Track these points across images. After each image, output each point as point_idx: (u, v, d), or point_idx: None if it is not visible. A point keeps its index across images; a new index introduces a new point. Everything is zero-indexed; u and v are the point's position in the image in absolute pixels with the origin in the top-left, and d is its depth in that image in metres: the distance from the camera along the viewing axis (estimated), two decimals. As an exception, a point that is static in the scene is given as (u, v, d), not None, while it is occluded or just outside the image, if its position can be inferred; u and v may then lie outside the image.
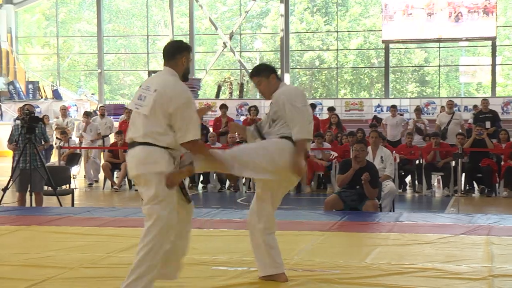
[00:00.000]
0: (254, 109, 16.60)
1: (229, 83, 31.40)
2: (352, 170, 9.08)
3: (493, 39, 29.09)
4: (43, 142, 10.64)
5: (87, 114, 17.13)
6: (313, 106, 18.09)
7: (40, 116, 15.66)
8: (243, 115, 25.84)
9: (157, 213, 4.67)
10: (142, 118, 4.78)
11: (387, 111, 21.95)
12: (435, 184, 14.61)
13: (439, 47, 31.91)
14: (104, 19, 34.71)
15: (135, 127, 4.86)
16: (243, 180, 14.78)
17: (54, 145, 16.41)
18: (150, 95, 4.74)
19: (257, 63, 35.42)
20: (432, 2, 28.66)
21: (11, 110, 27.67)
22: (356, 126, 16.60)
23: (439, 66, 32.86)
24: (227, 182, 14.88)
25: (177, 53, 4.91)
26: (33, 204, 10.24)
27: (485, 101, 16.53)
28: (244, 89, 31.90)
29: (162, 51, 4.97)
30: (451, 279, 5.31)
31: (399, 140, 16.67)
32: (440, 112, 19.97)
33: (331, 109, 17.80)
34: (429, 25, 28.81)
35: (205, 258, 5.99)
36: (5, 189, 10.27)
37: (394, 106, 17.88)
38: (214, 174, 14.67)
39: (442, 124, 15.90)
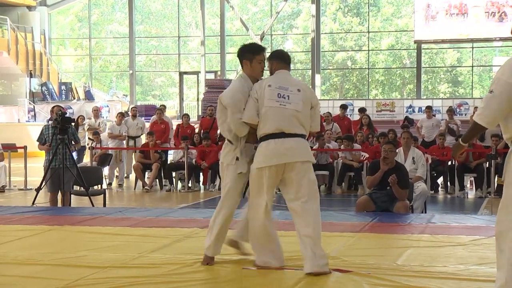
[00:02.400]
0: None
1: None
2: (381, 172, 9.02)
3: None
4: (73, 143, 10.72)
5: (122, 115, 17.24)
6: (344, 106, 18.02)
7: (74, 117, 15.88)
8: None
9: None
10: (292, 112, 5.44)
11: (418, 112, 21.86)
12: (468, 185, 14.47)
13: (473, 47, 31.60)
14: (136, 20, 34.96)
15: (285, 121, 5.44)
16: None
17: (87, 146, 16.56)
18: (297, 94, 5.48)
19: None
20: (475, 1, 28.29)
21: (44, 111, 27.98)
22: (387, 127, 16.50)
23: (472, 66, 32.53)
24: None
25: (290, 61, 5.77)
26: (62, 204, 10.33)
27: None
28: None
29: (279, 55, 5.74)
30: (484, 282, 5.24)
31: (433, 141, 16.53)
32: (473, 113, 19.75)
33: (362, 110, 17.72)
34: (465, 26, 28.46)
35: (236, 258, 6.00)
36: (38, 189, 10.39)
37: (429, 107, 17.66)
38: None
39: None
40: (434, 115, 20.31)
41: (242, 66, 5.66)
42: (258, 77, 5.61)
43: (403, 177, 8.95)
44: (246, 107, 5.46)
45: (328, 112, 17.36)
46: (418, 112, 23.90)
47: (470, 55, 32.40)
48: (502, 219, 4.39)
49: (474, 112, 19.96)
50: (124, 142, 16.92)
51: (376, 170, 9.11)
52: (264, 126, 5.44)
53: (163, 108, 18.22)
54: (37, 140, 10.75)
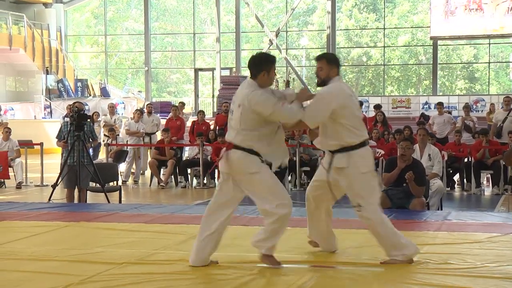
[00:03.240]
0: (300, 106, 16.57)
1: (275, 80, 31.37)
2: (398, 169, 8.98)
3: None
4: (91, 140, 10.77)
5: (140, 112, 17.25)
6: (360, 103, 17.96)
7: (89, 114, 15.93)
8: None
9: None
10: None
11: (435, 108, 21.71)
12: (484, 182, 14.39)
13: (489, 43, 31.41)
14: (151, 17, 35.03)
15: None
16: (289, 178, 14.77)
17: (102, 142, 16.62)
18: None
19: (303, 60, 35.38)
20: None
21: (60, 108, 28.11)
22: (403, 124, 16.44)
23: (489, 62, 32.33)
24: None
25: None
26: (78, 201, 10.38)
27: None
28: (290, 86, 31.85)
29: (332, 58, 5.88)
30: (501, 280, 5.21)
31: (446, 138, 16.43)
32: (489, 109, 19.64)
33: (377, 107, 17.65)
34: (484, 21, 28.23)
35: (251, 255, 5.99)
36: (54, 186, 10.44)
37: (440, 104, 17.55)
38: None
39: (498, 121, 15.36)
40: (450, 112, 20.23)
41: (256, 76, 5.52)
42: (269, 86, 5.61)
43: (420, 174, 8.91)
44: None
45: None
46: (434, 108, 23.73)
47: (487, 51, 32.21)
48: None
49: (490, 109, 19.90)
50: (141, 139, 16.96)
51: (392, 167, 9.08)
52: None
53: (180, 105, 18.22)
54: (56, 137, 10.81)
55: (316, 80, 5.90)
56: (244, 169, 5.45)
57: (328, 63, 5.71)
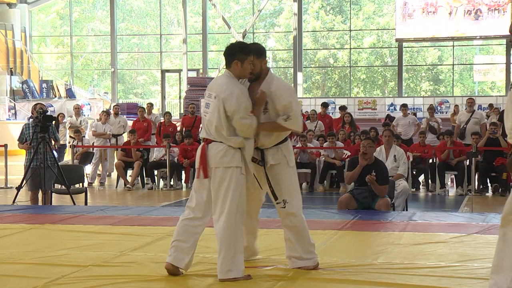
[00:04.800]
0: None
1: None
2: (359, 167, 9.06)
3: (508, 38, 28.88)
4: (53, 142, 10.67)
5: (106, 113, 17.11)
6: (325, 105, 18.05)
7: (55, 115, 15.79)
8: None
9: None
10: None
11: (400, 110, 21.91)
12: (449, 183, 14.56)
13: (453, 46, 31.78)
14: (118, 18, 34.82)
15: None
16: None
17: (68, 144, 16.48)
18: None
19: (270, 62, 35.43)
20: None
21: (25, 109, 27.81)
22: (369, 125, 16.56)
23: (453, 64, 32.71)
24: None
25: None
26: (42, 203, 10.29)
27: None
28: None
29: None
30: (465, 279, 5.28)
31: (410, 139, 16.60)
32: (454, 111, 19.88)
33: (342, 108, 17.76)
34: (443, 24, 28.62)
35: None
36: (18, 188, 10.33)
37: (405, 105, 17.72)
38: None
39: (461, 123, 15.58)
40: (414, 114, 20.43)
41: (229, 66, 5.37)
42: (245, 78, 5.43)
43: (382, 173, 9.00)
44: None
45: (313, 110, 17.40)
46: (400, 110, 23.98)
47: (451, 54, 32.58)
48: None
49: (454, 111, 20.15)
50: (108, 140, 16.84)
51: (355, 166, 9.16)
52: None
53: (149, 106, 18.13)
54: (18, 140, 10.69)
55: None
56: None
57: (258, 56, 5.41)
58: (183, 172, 15.13)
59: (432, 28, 28.84)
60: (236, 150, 5.25)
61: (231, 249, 5.17)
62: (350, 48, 33.51)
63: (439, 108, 26.48)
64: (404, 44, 31.06)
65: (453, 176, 14.43)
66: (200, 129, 14.34)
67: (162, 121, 17.02)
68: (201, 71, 32.62)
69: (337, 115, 22.18)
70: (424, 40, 30.52)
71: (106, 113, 17.12)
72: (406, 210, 10.33)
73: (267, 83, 5.41)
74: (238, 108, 5.18)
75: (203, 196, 5.36)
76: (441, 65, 34.69)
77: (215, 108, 5.23)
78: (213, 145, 5.27)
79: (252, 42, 32.69)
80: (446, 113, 25.59)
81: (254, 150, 5.41)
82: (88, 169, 15.61)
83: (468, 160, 13.71)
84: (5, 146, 15.54)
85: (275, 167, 5.48)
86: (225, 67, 5.42)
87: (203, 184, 5.35)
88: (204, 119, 5.37)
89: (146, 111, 17.33)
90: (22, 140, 10.56)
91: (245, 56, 5.32)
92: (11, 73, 30.95)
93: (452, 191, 14.12)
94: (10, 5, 33.66)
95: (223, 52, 5.50)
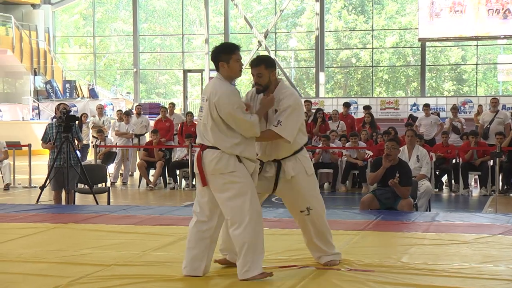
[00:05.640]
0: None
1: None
2: (382, 168, 9.02)
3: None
4: (76, 142, 10.73)
5: (127, 114, 17.19)
6: (347, 104, 18.00)
7: (78, 115, 15.89)
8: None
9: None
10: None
11: (422, 110, 21.80)
12: (472, 183, 14.44)
13: (477, 45, 31.54)
14: (140, 18, 34.96)
15: None
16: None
17: (91, 144, 16.57)
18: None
19: (292, 62, 35.40)
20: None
21: (49, 109, 28.01)
22: (391, 125, 16.47)
23: (477, 64, 32.47)
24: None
25: None
26: (65, 202, 10.35)
27: None
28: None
29: None
30: (489, 280, 5.23)
31: (433, 139, 16.49)
32: (477, 111, 19.72)
33: (366, 108, 17.66)
34: (469, 23, 28.35)
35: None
36: (42, 187, 10.41)
37: (427, 105, 17.61)
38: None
39: (485, 122, 15.44)
40: (438, 114, 20.30)
41: (218, 69, 5.28)
42: (236, 77, 5.40)
43: (406, 175, 8.95)
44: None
45: (335, 110, 17.33)
46: (423, 110, 23.85)
47: (475, 53, 32.33)
48: None
49: (478, 111, 19.98)
50: (130, 140, 16.92)
51: (378, 167, 9.12)
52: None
53: (171, 106, 18.17)
54: (41, 139, 10.77)
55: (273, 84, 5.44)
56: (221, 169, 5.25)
57: (267, 67, 5.37)
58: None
59: (458, 27, 28.53)
60: (231, 155, 5.18)
61: (250, 250, 5.16)
62: (373, 48, 33.36)
63: (462, 108, 26.30)
64: (427, 43, 30.86)
65: (476, 177, 14.31)
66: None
67: (184, 121, 17.06)
68: (223, 71, 32.61)
69: (360, 115, 22.10)
70: (448, 39, 30.29)
71: (127, 114, 17.11)
72: (429, 210, 10.27)
73: (277, 94, 5.37)
74: (233, 107, 5.11)
75: (206, 200, 5.32)
76: (464, 64, 34.45)
77: (207, 111, 5.18)
78: (208, 152, 5.21)
79: (273, 42, 32.74)
80: (469, 113, 25.41)
81: (271, 163, 5.44)
82: (110, 168, 15.68)
83: (492, 160, 13.59)
84: (29, 145, 15.66)
85: (294, 178, 5.47)
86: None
87: (203, 189, 5.32)
88: (199, 123, 5.31)
89: (168, 111, 17.38)
90: (45, 140, 10.63)
91: (228, 56, 5.25)
92: (35, 73, 31.19)
93: (475, 192, 14.01)
94: (34, 6, 33.94)
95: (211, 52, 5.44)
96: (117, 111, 18.20)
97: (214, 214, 5.33)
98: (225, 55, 5.26)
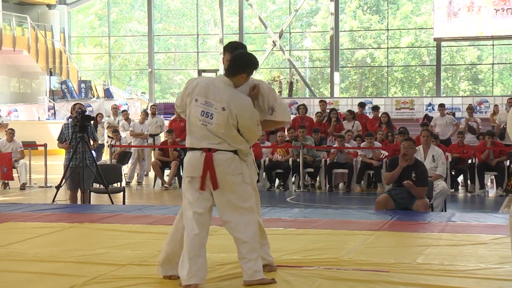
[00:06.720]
0: (303, 108, 16.60)
1: (278, 82, 31.40)
2: (399, 168, 8.98)
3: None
4: (92, 142, 10.77)
5: (145, 113, 17.26)
6: (362, 104, 17.95)
7: (93, 115, 15.95)
8: (292, 113, 25.81)
9: None
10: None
11: (438, 110, 21.73)
12: (488, 183, 14.37)
13: (493, 45, 31.36)
14: (155, 18, 35.06)
15: None
16: (293, 179, 14.77)
17: (106, 144, 16.63)
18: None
19: (307, 61, 35.36)
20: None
21: (64, 109, 28.15)
22: (406, 125, 16.42)
23: (493, 64, 32.29)
24: (276, 181, 14.89)
25: None
26: (81, 202, 10.39)
27: None
28: (294, 88, 31.87)
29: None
30: (505, 281, 5.20)
31: (448, 139, 16.42)
32: (493, 111, 19.61)
33: (375, 108, 17.57)
34: (486, 22, 28.19)
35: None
36: (58, 187, 10.45)
37: (442, 105, 17.56)
38: (264, 173, 14.69)
39: (501, 122, 15.36)
40: (453, 114, 20.20)
41: (233, 75, 5.09)
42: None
43: (422, 175, 8.91)
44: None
45: (350, 110, 17.28)
46: (438, 110, 23.76)
47: (491, 53, 32.16)
48: None
49: (494, 111, 19.86)
50: (145, 140, 16.97)
51: (395, 166, 9.08)
52: None
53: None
54: (57, 139, 10.82)
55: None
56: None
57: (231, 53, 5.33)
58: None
59: (475, 27, 28.36)
60: (240, 159, 5.13)
61: (256, 252, 5.10)
62: (388, 48, 33.27)
63: (478, 108, 26.17)
64: (443, 43, 30.72)
65: (492, 177, 14.24)
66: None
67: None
68: (237, 71, 32.62)
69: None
70: (463, 39, 30.14)
71: (145, 113, 17.16)
72: (445, 211, 10.22)
73: (250, 83, 5.27)
74: (253, 123, 5.08)
75: (209, 206, 5.11)
76: (480, 64, 34.28)
77: (223, 119, 4.99)
78: (220, 153, 5.05)
79: (288, 42, 32.71)
80: (485, 113, 25.28)
81: None
82: (125, 168, 15.73)
83: (508, 161, 13.50)
84: (45, 145, 15.74)
85: None
86: (225, 73, 5.17)
87: (202, 195, 5.08)
88: (201, 128, 5.05)
89: (183, 111, 17.38)
90: (61, 139, 10.67)
91: (252, 72, 5.21)
92: (51, 74, 31.36)
93: (491, 192, 13.94)
94: (49, 6, 34.13)
95: (234, 57, 5.16)
96: (123, 111, 18.17)
97: (208, 224, 5.16)
98: (251, 70, 5.17)
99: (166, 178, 15.11)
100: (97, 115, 17.86)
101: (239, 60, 5.13)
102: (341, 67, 33.10)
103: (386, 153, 14.23)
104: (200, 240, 5.02)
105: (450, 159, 13.60)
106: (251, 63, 5.16)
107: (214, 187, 5.06)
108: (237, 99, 5.06)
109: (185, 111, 5.22)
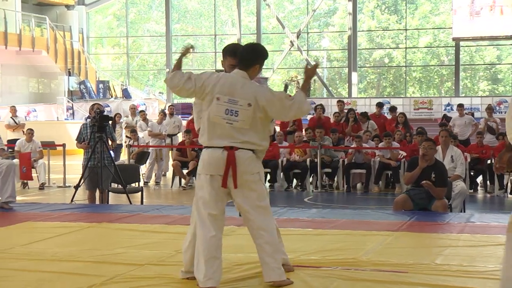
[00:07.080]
0: (320, 108, 16.57)
1: (296, 82, 31.38)
2: (419, 168, 8.93)
3: None
4: (110, 142, 10.81)
5: (163, 114, 17.33)
6: (380, 104, 17.88)
7: (111, 115, 16.01)
8: (309, 113, 25.74)
9: None
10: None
11: (456, 110, 21.63)
12: (508, 184, 14.26)
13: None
14: (173, 19, 35.15)
15: None
16: (310, 179, 14.75)
17: (124, 144, 16.68)
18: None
19: (324, 62, 35.29)
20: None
21: (82, 109, 28.29)
22: (425, 125, 16.34)
23: (513, 63, 32.09)
24: (294, 181, 14.87)
25: None
26: (99, 202, 10.43)
27: None
28: (311, 88, 31.81)
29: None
30: (525, 283, 5.15)
31: (467, 139, 16.32)
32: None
33: (392, 109, 17.53)
34: (505, 22, 27.97)
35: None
36: (76, 187, 10.50)
37: (461, 105, 17.49)
38: (281, 173, 14.68)
39: None
40: (472, 114, 20.08)
41: (247, 68, 5.13)
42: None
43: (442, 175, 8.85)
44: None
45: (363, 113, 17.22)
46: (457, 110, 23.64)
47: (510, 52, 31.93)
48: None
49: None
50: (163, 140, 17.01)
51: (414, 167, 9.03)
52: None
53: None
54: (76, 139, 10.86)
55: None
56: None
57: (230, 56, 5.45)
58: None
59: (495, 26, 28.15)
60: (258, 158, 5.15)
61: (280, 252, 5.13)
62: (406, 48, 33.14)
63: (497, 108, 25.99)
64: (461, 43, 30.54)
65: (512, 177, 14.13)
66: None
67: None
68: (255, 71, 32.64)
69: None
70: (482, 39, 29.94)
71: (163, 113, 17.16)
72: (464, 211, 10.15)
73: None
74: (283, 107, 5.05)
75: (215, 212, 5.08)
76: (500, 64, 34.04)
77: (249, 115, 5.01)
78: (241, 152, 5.04)
79: (306, 42, 32.67)
80: (505, 113, 25.08)
81: None
82: (143, 168, 15.77)
83: (528, 161, 13.38)
84: (63, 145, 15.82)
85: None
86: (239, 68, 5.17)
87: (219, 195, 5.10)
88: (225, 126, 5.03)
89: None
90: (80, 139, 10.72)
91: (264, 62, 5.28)
92: (69, 74, 31.53)
93: (511, 193, 13.83)
94: (68, 7, 34.33)
95: (244, 51, 5.21)
96: (141, 111, 18.23)
97: (222, 225, 5.16)
98: (263, 60, 5.25)
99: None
100: (115, 115, 17.91)
101: (250, 53, 5.21)
102: (359, 67, 33.01)
103: (404, 154, 14.17)
104: (217, 242, 5.01)
105: (469, 160, 13.51)
106: (262, 53, 5.26)
107: (235, 185, 5.05)
108: (260, 92, 5.10)
109: (179, 90, 5.56)
